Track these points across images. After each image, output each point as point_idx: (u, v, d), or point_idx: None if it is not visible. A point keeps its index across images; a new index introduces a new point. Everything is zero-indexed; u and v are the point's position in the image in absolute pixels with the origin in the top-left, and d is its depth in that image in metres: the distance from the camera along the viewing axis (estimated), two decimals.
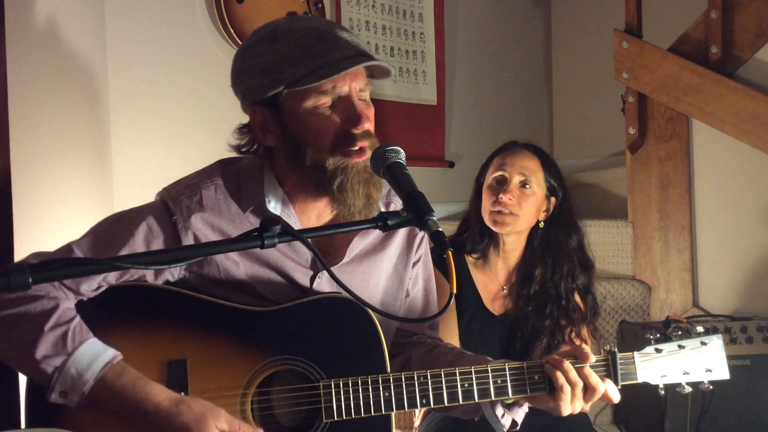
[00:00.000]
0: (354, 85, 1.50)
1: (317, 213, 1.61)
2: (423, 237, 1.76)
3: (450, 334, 2.20)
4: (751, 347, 2.65)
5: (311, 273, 1.60)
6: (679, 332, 1.62)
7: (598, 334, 2.28)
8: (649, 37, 3.29)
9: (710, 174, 3.14)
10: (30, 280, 1.08)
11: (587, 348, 1.55)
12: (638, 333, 2.73)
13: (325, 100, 1.48)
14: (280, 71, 1.47)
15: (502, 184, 2.22)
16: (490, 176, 2.26)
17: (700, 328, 1.62)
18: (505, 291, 2.28)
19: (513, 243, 2.26)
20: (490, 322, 2.23)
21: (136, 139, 2.85)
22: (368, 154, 1.48)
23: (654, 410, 2.68)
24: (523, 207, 2.19)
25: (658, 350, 1.59)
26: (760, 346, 2.66)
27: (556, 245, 2.24)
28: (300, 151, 1.50)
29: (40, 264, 1.12)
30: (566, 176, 4.42)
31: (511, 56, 4.51)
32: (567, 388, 1.50)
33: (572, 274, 2.23)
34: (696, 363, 1.59)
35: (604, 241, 3.31)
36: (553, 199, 2.27)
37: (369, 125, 1.52)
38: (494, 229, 2.22)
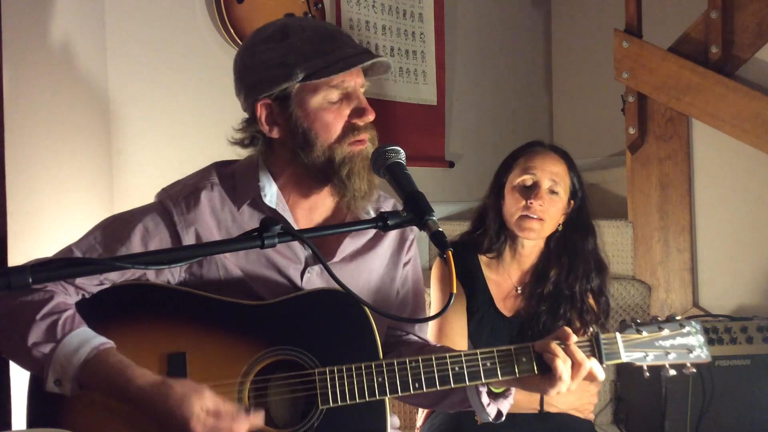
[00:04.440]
0: (359, 81, 1.61)
1: (309, 207, 1.67)
2: (413, 240, 1.83)
3: (459, 336, 2.19)
4: (751, 347, 2.65)
5: (302, 268, 1.64)
6: (659, 317, 1.69)
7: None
8: (649, 37, 3.29)
9: (710, 174, 3.14)
10: (30, 279, 1.09)
11: (568, 329, 1.58)
12: None
13: (335, 94, 1.57)
14: (295, 65, 1.54)
15: (531, 188, 2.17)
16: (517, 178, 2.21)
17: (677, 317, 1.69)
18: (518, 291, 2.26)
19: (531, 247, 2.24)
20: (500, 323, 2.22)
21: (136, 139, 2.85)
22: (367, 144, 1.59)
23: (654, 410, 2.68)
24: (550, 213, 2.17)
25: (639, 331, 1.65)
26: (760, 346, 2.65)
27: (572, 247, 2.22)
28: (308, 143, 1.57)
29: (40, 264, 1.14)
30: None
31: (511, 56, 4.51)
32: (560, 367, 1.53)
33: (587, 276, 2.20)
34: (677, 344, 1.66)
35: (604, 241, 3.30)
36: (572, 202, 2.25)
37: (372, 118, 1.61)
38: (521, 234, 2.19)
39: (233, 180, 1.65)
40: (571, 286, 2.18)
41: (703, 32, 3.11)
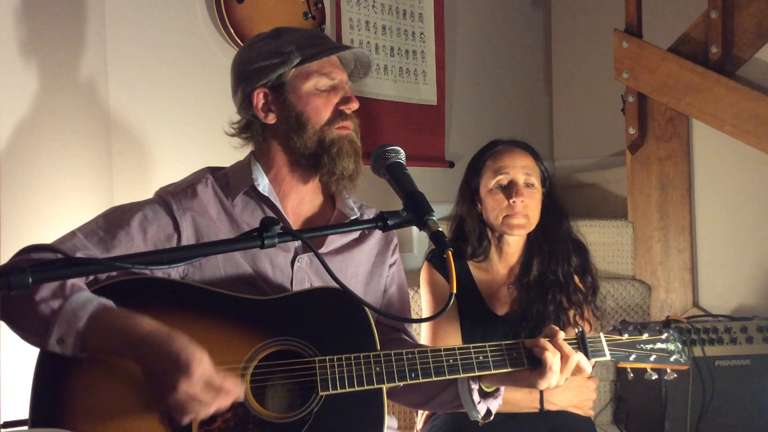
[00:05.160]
0: (344, 76, 1.78)
1: (298, 199, 1.78)
2: (397, 243, 1.93)
3: (453, 340, 2.19)
4: (751, 347, 2.65)
5: (291, 256, 1.73)
6: (639, 326, 1.81)
7: (599, 312, 2.29)
8: (649, 37, 3.29)
9: (710, 174, 3.14)
10: (30, 280, 1.10)
11: (555, 327, 1.67)
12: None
13: (325, 82, 1.73)
14: (290, 53, 1.71)
15: (509, 187, 2.19)
16: (491, 181, 2.22)
17: (657, 326, 1.82)
18: (510, 289, 2.26)
19: (516, 243, 2.26)
20: (493, 322, 2.23)
21: (136, 139, 2.85)
22: (351, 132, 1.74)
23: (654, 410, 2.69)
24: (532, 206, 2.20)
25: (620, 332, 1.78)
26: (760, 346, 2.65)
27: (549, 233, 2.25)
28: (300, 125, 1.71)
29: (40, 264, 1.15)
30: (566, 176, 4.45)
31: (511, 56, 4.51)
32: (549, 358, 1.60)
33: (567, 258, 2.24)
34: (656, 348, 1.78)
35: (604, 241, 3.31)
36: (543, 189, 2.27)
37: (356, 106, 1.76)
38: (510, 233, 2.20)
39: (226, 178, 1.77)
40: (554, 271, 2.22)
41: (703, 32, 3.11)
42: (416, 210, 1.38)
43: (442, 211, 3.84)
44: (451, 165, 4.02)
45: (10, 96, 2.22)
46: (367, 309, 1.63)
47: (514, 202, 2.17)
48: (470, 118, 4.24)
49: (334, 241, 1.79)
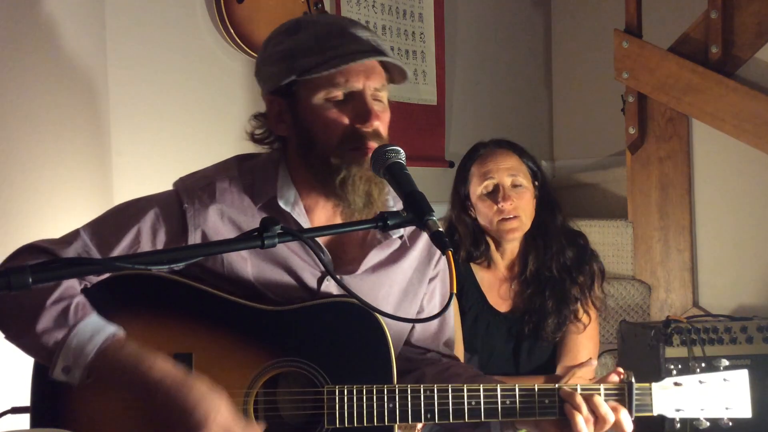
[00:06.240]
0: (369, 83, 1.49)
1: (327, 214, 1.58)
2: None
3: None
4: (751, 347, 2.65)
5: (320, 274, 1.58)
6: (703, 364, 1.56)
7: (599, 303, 2.25)
8: (649, 37, 3.29)
9: (710, 174, 3.14)
10: (30, 280, 1.09)
11: (598, 384, 1.51)
12: (638, 333, 2.73)
13: (337, 94, 1.47)
14: (294, 60, 1.47)
15: (496, 192, 2.19)
16: (479, 187, 2.22)
17: (725, 362, 1.57)
18: (513, 285, 2.26)
19: (514, 242, 2.26)
20: (495, 320, 2.23)
21: (136, 139, 2.85)
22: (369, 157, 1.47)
23: None
24: (522, 206, 2.19)
25: (677, 384, 1.54)
26: (760, 346, 2.65)
27: (544, 228, 2.24)
28: (309, 144, 1.50)
29: (40, 264, 1.13)
30: (566, 176, 4.44)
31: (511, 56, 4.51)
32: (579, 423, 1.45)
33: (562, 252, 2.23)
34: (716, 399, 1.54)
35: (604, 241, 3.31)
36: (535, 183, 2.27)
37: (379, 124, 1.49)
38: (506, 237, 2.20)
39: (252, 176, 1.58)
40: (549, 267, 2.21)
41: (703, 32, 3.11)
42: (416, 210, 1.32)
43: (442, 211, 3.83)
44: (451, 165, 4.02)
45: (10, 96, 2.22)
46: (386, 329, 1.50)
47: (502, 206, 2.16)
48: (470, 118, 4.24)
49: (373, 258, 1.61)
